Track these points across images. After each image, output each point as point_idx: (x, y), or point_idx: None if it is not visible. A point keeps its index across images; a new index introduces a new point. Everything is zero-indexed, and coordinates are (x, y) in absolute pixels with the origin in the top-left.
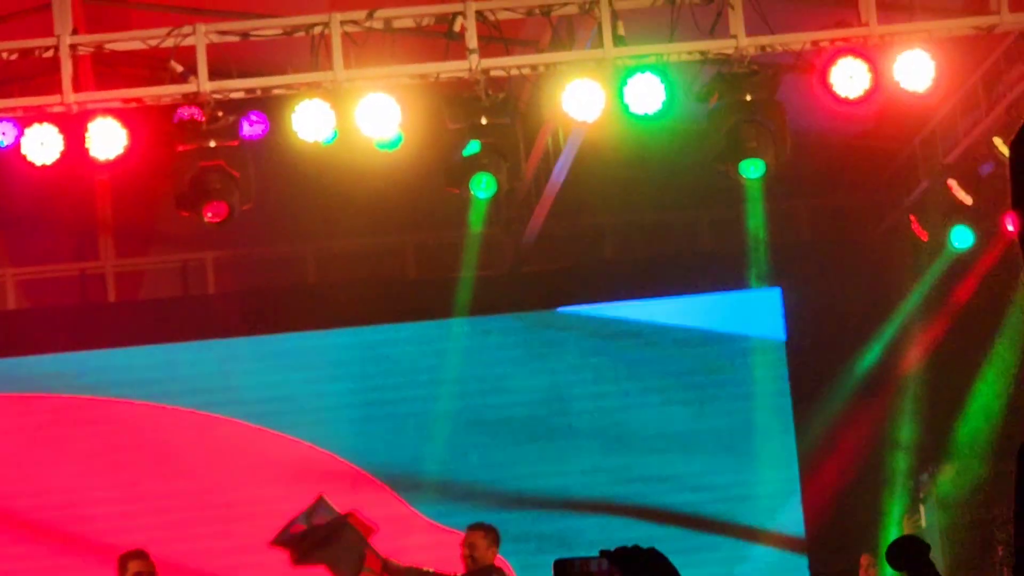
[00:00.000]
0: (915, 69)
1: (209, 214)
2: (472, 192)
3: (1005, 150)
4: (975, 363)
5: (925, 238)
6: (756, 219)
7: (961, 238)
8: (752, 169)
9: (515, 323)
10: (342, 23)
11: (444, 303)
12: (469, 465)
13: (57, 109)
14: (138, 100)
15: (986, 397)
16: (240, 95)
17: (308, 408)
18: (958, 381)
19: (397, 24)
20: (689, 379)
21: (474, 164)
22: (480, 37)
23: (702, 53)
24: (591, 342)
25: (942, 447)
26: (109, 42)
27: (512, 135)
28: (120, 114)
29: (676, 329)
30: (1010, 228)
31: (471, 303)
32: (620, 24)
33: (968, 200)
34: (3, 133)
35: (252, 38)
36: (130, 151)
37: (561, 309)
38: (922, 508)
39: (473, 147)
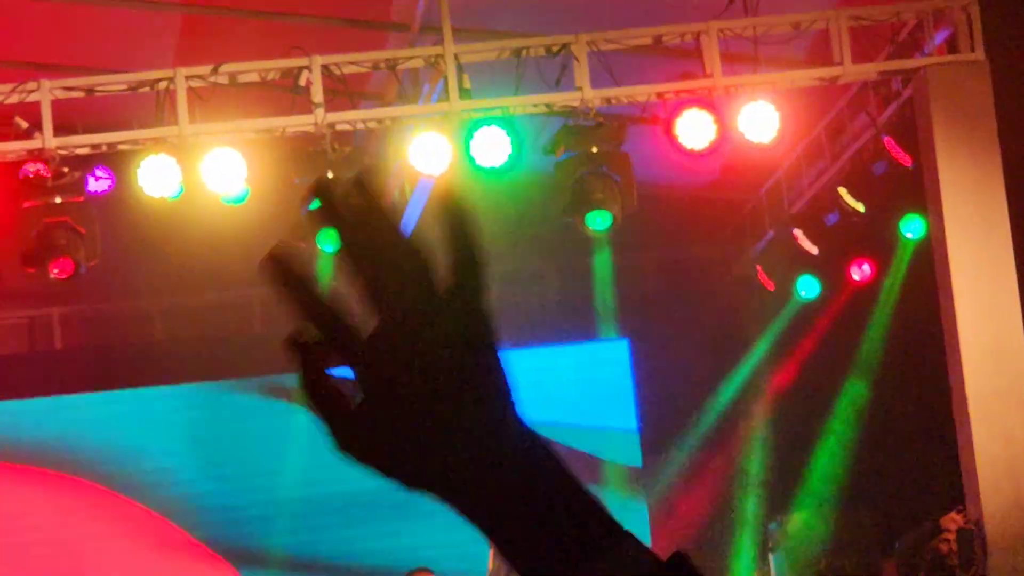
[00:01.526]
0: (760, 120)
1: (55, 270)
2: (318, 246)
3: (850, 200)
4: (822, 412)
5: (772, 288)
6: (603, 270)
7: (807, 287)
8: (599, 221)
9: None
10: (187, 78)
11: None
12: (316, 540)
13: None
14: None
15: (832, 446)
16: (86, 151)
17: (152, 469)
18: (805, 430)
19: (242, 79)
20: None
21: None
22: (326, 91)
23: (548, 105)
24: None
25: (791, 495)
26: None
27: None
28: None
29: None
30: (856, 277)
31: None
32: (466, 77)
33: (814, 250)
34: None
35: (97, 93)
36: None
37: None
38: (771, 557)
39: (316, 203)
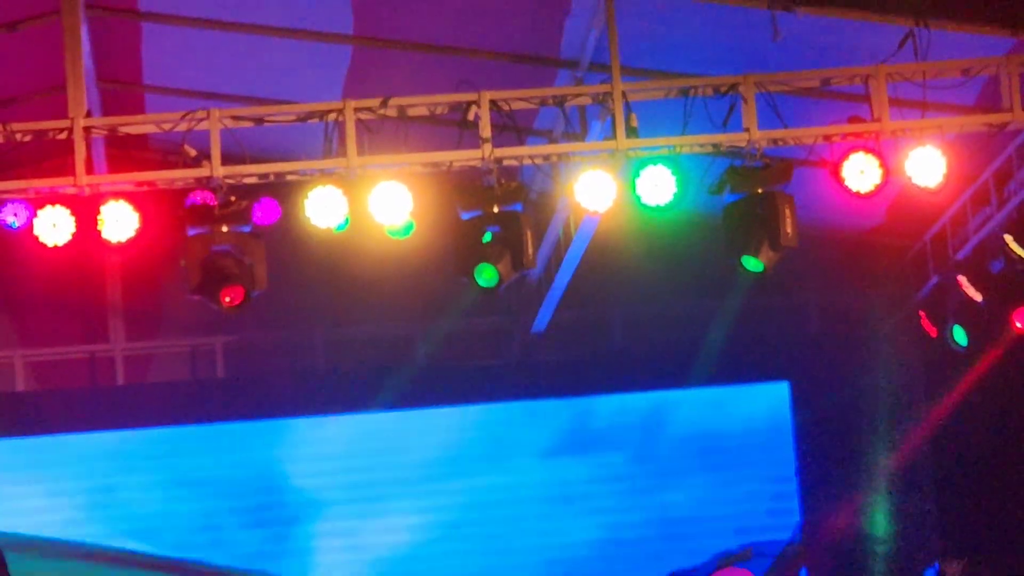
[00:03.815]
0: (926, 165)
1: (227, 299)
2: (476, 281)
3: (1016, 247)
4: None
5: (934, 334)
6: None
7: (961, 335)
8: (755, 263)
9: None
10: (356, 110)
11: (456, 390)
12: None
13: (70, 191)
14: (150, 183)
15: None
16: (253, 180)
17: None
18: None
19: (411, 112)
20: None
21: (479, 254)
22: (493, 126)
23: (715, 145)
24: None
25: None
26: (123, 125)
27: (521, 224)
28: (132, 197)
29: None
30: (1020, 325)
31: (482, 391)
32: (633, 116)
33: (978, 297)
34: (15, 214)
35: (266, 123)
36: (141, 234)
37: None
38: None
39: (487, 236)
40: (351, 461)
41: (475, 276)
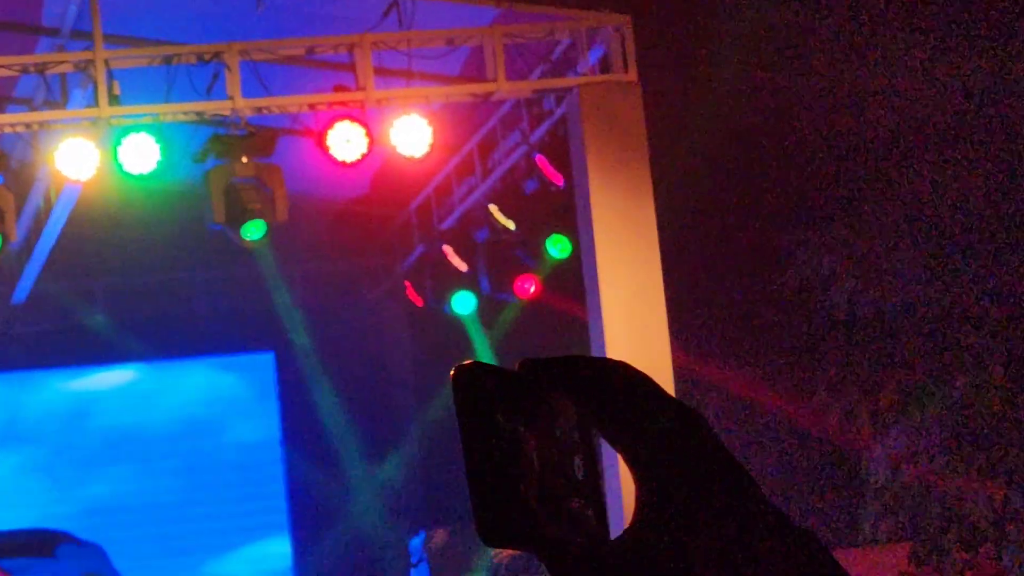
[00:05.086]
0: (412, 134)
1: None
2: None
3: (500, 217)
4: None
5: (420, 303)
6: (252, 281)
7: (462, 304)
8: (254, 231)
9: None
10: None
11: None
12: None
13: None
14: None
15: None
16: None
17: None
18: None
19: None
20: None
21: None
22: None
23: (198, 114)
24: None
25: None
26: None
27: (4, 194)
28: None
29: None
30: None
31: None
32: (116, 83)
33: (463, 267)
34: None
35: None
36: None
37: None
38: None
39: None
40: None
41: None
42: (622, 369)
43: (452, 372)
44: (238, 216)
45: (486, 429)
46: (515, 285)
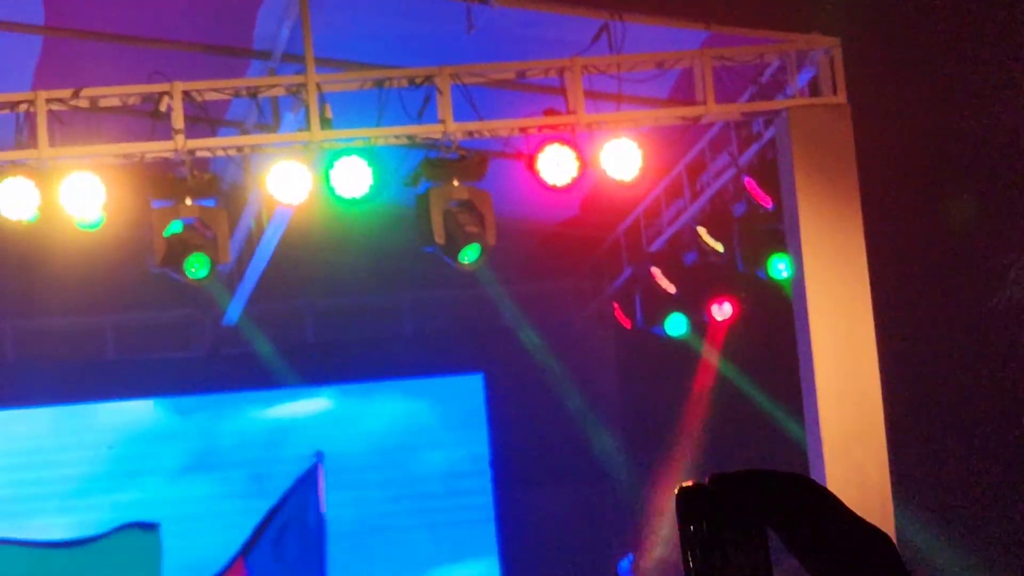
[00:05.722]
0: (622, 157)
1: None
2: (187, 273)
3: (709, 240)
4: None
5: (628, 325)
6: (461, 304)
7: (675, 326)
8: (471, 254)
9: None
10: (47, 101)
11: (146, 383)
12: None
13: None
14: None
15: None
16: None
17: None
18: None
19: (103, 103)
20: None
21: (187, 245)
22: (186, 117)
23: (410, 137)
24: None
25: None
26: None
27: (219, 216)
28: None
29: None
30: (717, 317)
31: (171, 384)
32: (328, 107)
33: (671, 289)
34: None
35: None
36: None
37: None
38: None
39: (175, 227)
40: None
41: (185, 267)
42: (806, 486)
43: (675, 491)
44: (455, 239)
45: (695, 538)
46: (709, 307)
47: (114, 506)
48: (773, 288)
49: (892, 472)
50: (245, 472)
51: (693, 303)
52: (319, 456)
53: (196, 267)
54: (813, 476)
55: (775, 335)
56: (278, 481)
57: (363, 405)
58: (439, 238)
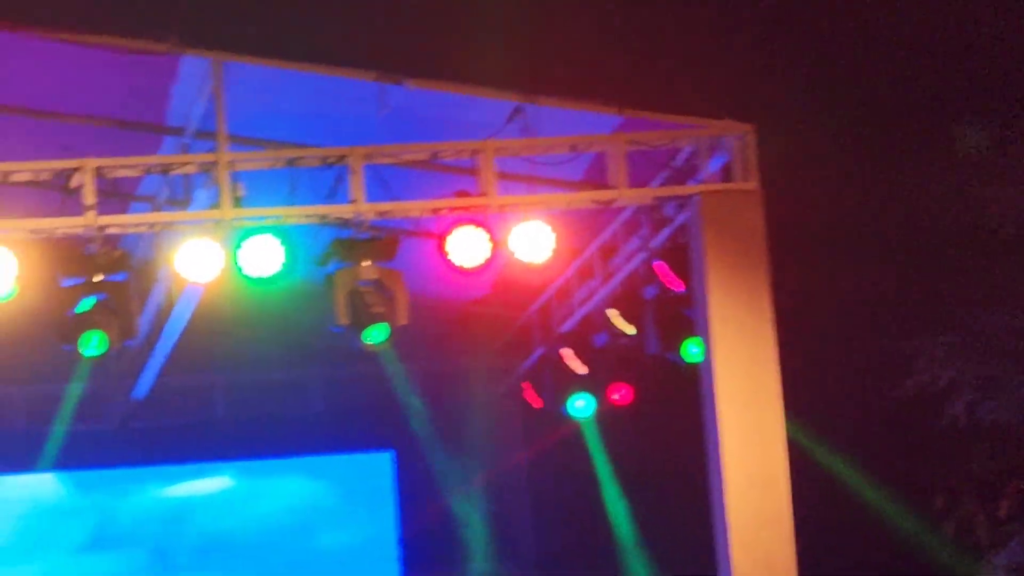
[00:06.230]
0: (533, 240)
1: None
2: (80, 350)
3: (620, 322)
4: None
5: (539, 405)
6: (370, 381)
7: (580, 408)
8: (376, 334)
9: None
10: None
11: (52, 455)
12: None
13: None
14: None
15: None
16: None
17: None
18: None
19: (14, 178)
20: None
21: (85, 322)
22: (98, 192)
23: (321, 216)
24: None
25: None
26: None
27: (126, 293)
28: None
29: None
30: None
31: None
32: (240, 185)
33: (582, 370)
34: None
35: None
36: None
37: None
38: None
39: (86, 304)
40: None
41: (79, 344)
42: None
43: None
44: (361, 320)
45: None
46: (608, 391)
47: None
48: (676, 372)
49: (799, 559)
50: (145, 548)
51: (600, 385)
52: None
53: (92, 344)
54: (719, 562)
55: (674, 421)
56: (178, 558)
57: (267, 483)
58: (344, 318)
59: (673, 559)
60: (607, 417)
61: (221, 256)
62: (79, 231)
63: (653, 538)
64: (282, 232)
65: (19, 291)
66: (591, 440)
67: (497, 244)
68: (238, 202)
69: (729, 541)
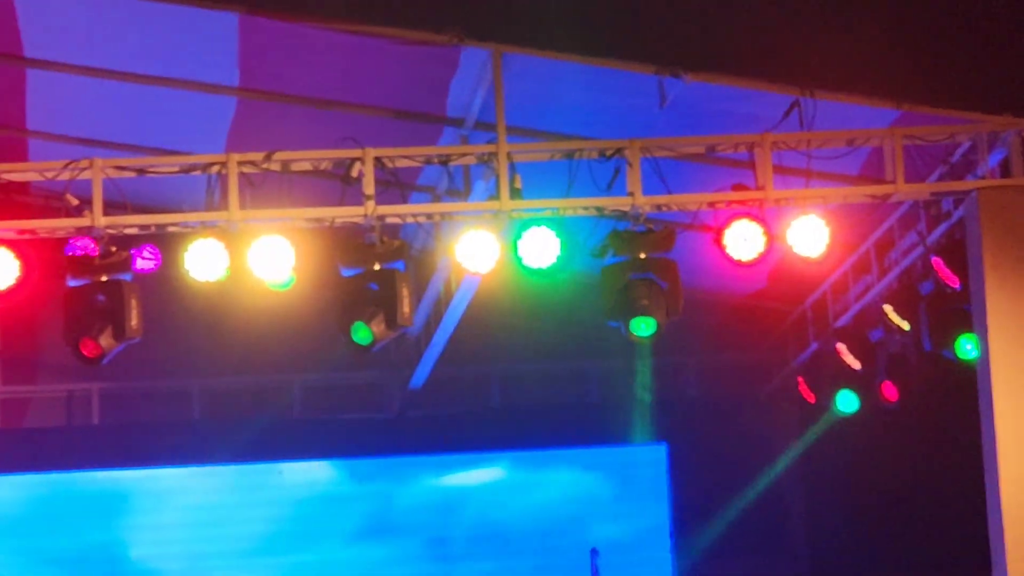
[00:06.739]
0: (809, 234)
1: (90, 348)
2: (353, 339)
3: (895, 317)
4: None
5: (812, 400)
6: (644, 375)
7: (846, 402)
8: (643, 327)
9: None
10: (239, 163)
11: (330, 443)
12: None
13: None
14: (32, 231)
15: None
16: (134, 230)
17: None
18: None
19: (295, 167)
20: None
21: (357, 312)
22: (377, 182)
23: (598, 208)
24: None
25: None
26: (5, 172)
27: (398, 283)
28: (13, 244)
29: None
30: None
31: (357, 445)
32: (518, 177)
33: (856, 365)
34: None
35: (148, 174)
36: (22, 281)
37: None
38: None
39: (367, 294)
40: (189, 531)
41: (350, 334)
42: None
43: None
44: (628, 312)
45: None
46: (882, 387)
47: (292, 568)
48: (946, 371)
49: None
50: (421, 537)
51: (872, 381)
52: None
53: (360, 335)
54: (994, 565)
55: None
56: (453, 547)
57: (541, 474)
58: (610, 312)
59: (942, 563)
60: (875, 414)
61: (498, 247)
62: (358, 220)
63: (924, 541)
64: (558, 224)
65: (296, 280)
66: (861, 437)
67: (773, 238)
68: (516, 193)
69: (1005, 544)
